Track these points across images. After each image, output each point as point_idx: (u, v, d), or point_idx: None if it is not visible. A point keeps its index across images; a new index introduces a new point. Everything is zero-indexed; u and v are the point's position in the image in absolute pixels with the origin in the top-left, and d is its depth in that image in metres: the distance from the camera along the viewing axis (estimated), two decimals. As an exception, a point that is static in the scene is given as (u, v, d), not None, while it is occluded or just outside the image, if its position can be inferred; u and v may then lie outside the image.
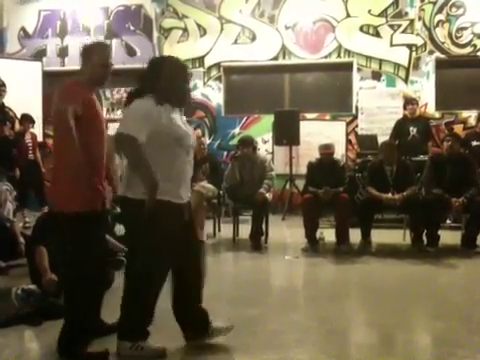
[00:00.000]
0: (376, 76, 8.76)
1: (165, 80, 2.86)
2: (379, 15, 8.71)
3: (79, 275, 2.83)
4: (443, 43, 8.60)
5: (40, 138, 8.32)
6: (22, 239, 4.89)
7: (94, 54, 2.94)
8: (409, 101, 7.99)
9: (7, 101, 6.89)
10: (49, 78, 8.91)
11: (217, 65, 9.20)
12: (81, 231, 2.80)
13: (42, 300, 3.57)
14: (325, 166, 5.93)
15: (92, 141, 2.84)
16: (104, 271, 3.04)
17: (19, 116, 7.56)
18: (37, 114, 8.22)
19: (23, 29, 9.66)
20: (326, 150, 5.96)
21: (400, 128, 7.67)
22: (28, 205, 7.37)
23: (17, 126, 7.26)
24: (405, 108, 8.06)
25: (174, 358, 2.98)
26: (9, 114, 6.84)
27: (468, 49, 8.54)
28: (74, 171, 2.75)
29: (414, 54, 8.67)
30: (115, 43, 9.38)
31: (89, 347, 2.88)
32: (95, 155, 2.89)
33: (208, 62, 9.20)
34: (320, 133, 8.26)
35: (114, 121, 8.71)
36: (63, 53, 9.54)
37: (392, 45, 8.68)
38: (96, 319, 3.05)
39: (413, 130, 7.57)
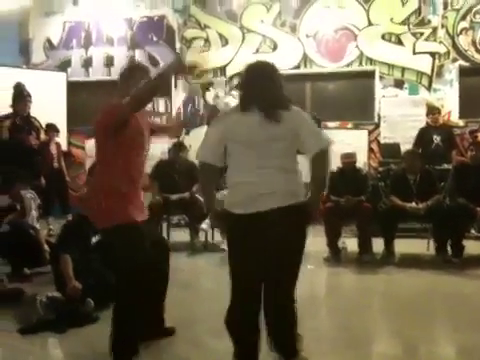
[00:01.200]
0: (398, 84, 8.71)
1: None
2: (401, 23, 8.66)
3: (137, 284, 2.84)
4: (466, 51, 8.51)
5: (64, 147, 8.45)
6: (47, 247, 4.96)
7: (138, 77, 2.96)
8: (431, 110, 7.92)
9: (32, 111, 7.01)
10: (73, 88, 9.08)
11: (239, 74, 9.23)
12: (130, 241, 2.85)
13: (66, 307, 3.61)
14: (347, 175, 5.91)
15: (134, 156, 2.93)
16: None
17: (44, 126, 7.69)
18: (62, 124, 8.36)
19: (48, 40, 9.85)
20: (348, 159, 5.94)
21: (423, 136, 7.60)
22: (52, 213, 7.48)
23: (42, 136, 7.38)
24: (428, 116, 8.00)
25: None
26: (34, 124, 6.95)
27: (492, 57, 8.44)
28: (120, 186, 2.85)
29: (437, 62, 8.59)
30: (138, 54, 9.51)
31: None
32: (137, 169, 2.98)
33: (230, 71, 9.25)
34: (342, 141, 8.20)
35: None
36: (87, 64, 9.69)
37: (415, 53, 8.62)
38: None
39: (437, 138, 7.48)
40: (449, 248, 5.51)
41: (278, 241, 2.55)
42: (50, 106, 8.36)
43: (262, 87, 2.64)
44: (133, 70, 3.06)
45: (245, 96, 2.70)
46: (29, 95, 6.66)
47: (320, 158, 2.63)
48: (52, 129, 7.68)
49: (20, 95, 6.54)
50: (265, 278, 2.65)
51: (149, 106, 9.55)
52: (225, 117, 2.78)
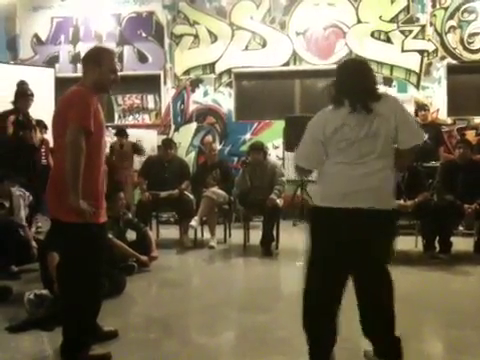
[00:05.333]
0: (387, 82, 8.74)
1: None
2: (390, 21, 8.70)
3: (74, 282, 2.85)
4: (455, 49, 8.57)
5: (52, 144, 8.38)
6: (35, 244, 4.92)
7: (103, 60, 2.92)
8: (421, 107, 7.96)
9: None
10: (61, 84, 8.99)
11: (228, 71, 9.23)
12: (77, 240, 2.80)
13: (54, 305, 3.58)
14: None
15: (92, 151, 2.81)
16: (99, 281, 3.01)
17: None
18: (49, 120, 8.24)
19: (36, 36, 9.77)
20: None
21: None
22: (40, 210, 7.42)
23: (38, 134, 7.25)
24: (417, 114, 8.04)
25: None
26: (32, 122, 6.89)
27: (480, 54, 8.50)
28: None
29: (425, 60, 8.64)
30: (127, 50, 9.47)
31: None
32: (95, 164, 2.86)
33: (219, 68, 9.23)
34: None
35: (126, 127, 8.78)
36: (75, 59, 9.62)
37: (403, 51, 8.67)
38: (92, 325, 3.05)
39: (425, 136, 7.50)
40: (437, 245, 5.55)
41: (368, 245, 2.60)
42: (38, 102, 8.27)
43: (352, 82, 2.68)
44: (103, 53, 2.98)
45: (336, 93, 2.70)
46: (32, 94, 6.65)
47: (411, 153, 2.70)
48: (41, 126, 7.61)
49: (24, 93, 6.53)
50: (357, 282, 2.72)
51: (138, 102, 9.58)
52: (319, 117, 2.75)
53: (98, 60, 2.91)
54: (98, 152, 2.89)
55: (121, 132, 8.24)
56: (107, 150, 6.99)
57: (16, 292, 4.14)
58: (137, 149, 8.23)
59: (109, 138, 8.04)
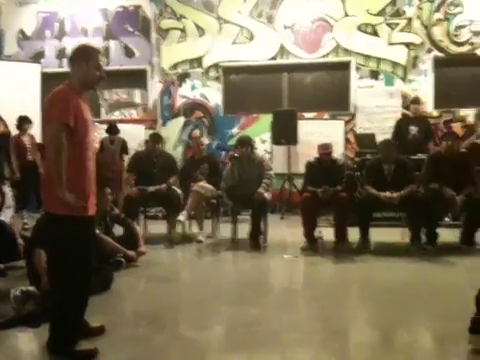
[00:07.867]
0: (374, 75, 8.78)
1: None
2: (377, 14, 8.73)
3: (64, 276, 2.87)
4: (441, 41, 8.61)
5: (38, 139, 8.31)
6: (21, 240, 4.88)
7: (90, 58, 2.96)
8: (415, 101, 7.88)
9: (6, 103, 6.86)
10: (47, 80, 8.93)
11: (215, 65, 9.21)
12: (67, 233, 2.85)
13: (41, 302, 3.57)
14: (324, 165, 5.93)
15: (78, 147, 2.86)
16: (89, 275, 3.03)
17: (17, 117, 7.54)
18: (36, 115, 8.22)
19: (21, 31, 9.68)
20: (325, 150, 5.96)
21: (401, 127, 7.63)
22: (27, 207, 7.37)
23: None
24: (408, 107, 8.04)
25: (174, 356, 2.99)
26: None
27: (466, 47, 8.54)
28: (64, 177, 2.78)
29: (412, 53, 8.68)
30: (113, 44, 9.41)
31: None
32: (81, 159, 2.89)
33: (206, 62, 9.21)
34: (318, 132, 8.27)
35: (116, 122, 8.72)
36: (61, 55, 9.55)
37: (390, 44, 8.70)
38: (80, 321, 3.05)
39: (413, 129, 7.51)
40: (423, 236, 5.59)
41: None
42: (24, 98, 8.23)
43: None
44: (90, 51, 3.02)
45: None
46: None
47: None
48: (25, 121, 7.55)
49: None
50: None
51: (125, 97, 9.53)
52: None
53: (83, 58, 2.96)
54: (84, 148, 2.91)
55: (112, 129, 8.11)
56: (96, 146, 6.95)
57: (2, 289, 4.11)
58: (124, 148, 8.12)
59: (97, 133, 8.00)
